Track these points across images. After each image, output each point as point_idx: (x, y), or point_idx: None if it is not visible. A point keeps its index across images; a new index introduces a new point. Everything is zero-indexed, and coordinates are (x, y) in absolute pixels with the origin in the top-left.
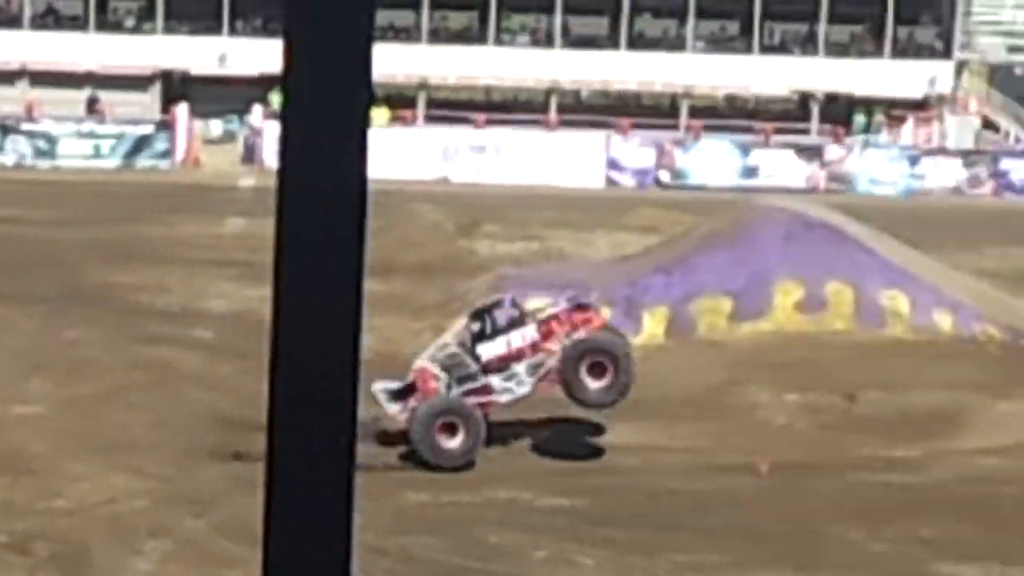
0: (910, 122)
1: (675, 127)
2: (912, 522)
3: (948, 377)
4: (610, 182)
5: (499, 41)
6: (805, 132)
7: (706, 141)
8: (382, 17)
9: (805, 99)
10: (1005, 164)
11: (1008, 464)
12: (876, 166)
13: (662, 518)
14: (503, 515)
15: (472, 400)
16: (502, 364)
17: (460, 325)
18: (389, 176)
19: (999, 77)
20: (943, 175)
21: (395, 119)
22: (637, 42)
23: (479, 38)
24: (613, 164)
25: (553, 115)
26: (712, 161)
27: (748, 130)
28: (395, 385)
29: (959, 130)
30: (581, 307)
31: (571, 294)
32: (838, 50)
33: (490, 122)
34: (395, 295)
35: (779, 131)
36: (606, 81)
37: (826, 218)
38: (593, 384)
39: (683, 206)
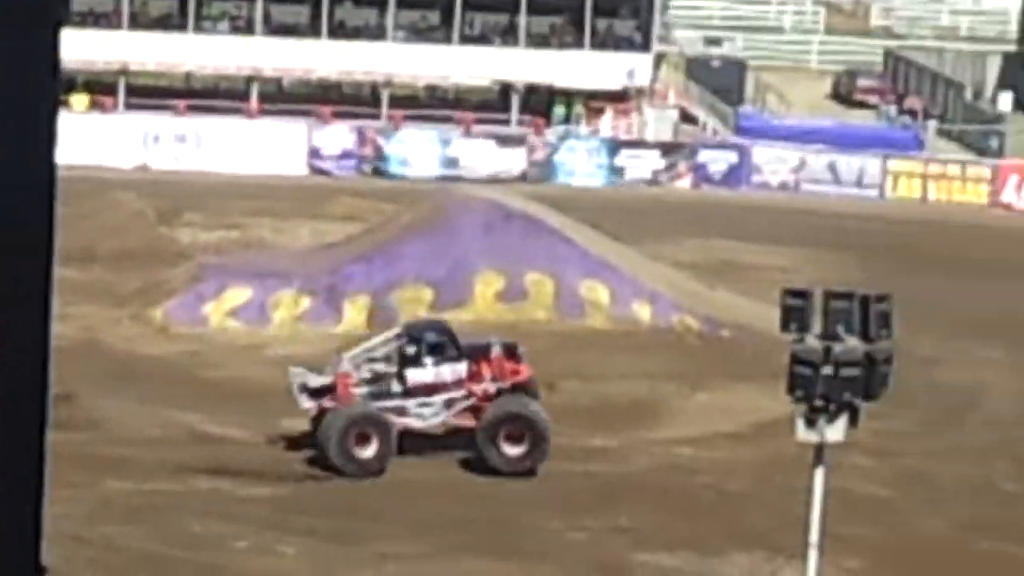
0: (609, 113)
1: (376, 116)
2: (610, 512)
3: (646, 367)
4: (312, 171)
5: (199, 28)
6: (505, 122)
7: (407, 131)
8: (81, 2)
9: (505, 90)
10: (703, 156)
11: (704, 454)
12: (576, 157)
13: (363, 507)
14: (205, 504)
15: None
16: (424, 392)
17: (390, 337)
18: (88, 163)
19: (696, 70)
20: (642, 166)
21: (94, 105)
22: (338, 31)
23: (179, 25)
24: (315, 153)
25: (254, 103)
26: (413, 150)
27: (449, 120)
28: (314, 380)
29: (657, 122)
30: (512, 355)
31: (505, 340)
32: (538, 41)
33: (191, 109)
34: (95, 283)
35: (480, 121)
36: (307, 69)
37: (526, 209)
38: (510, 451)
39: (385, 195)
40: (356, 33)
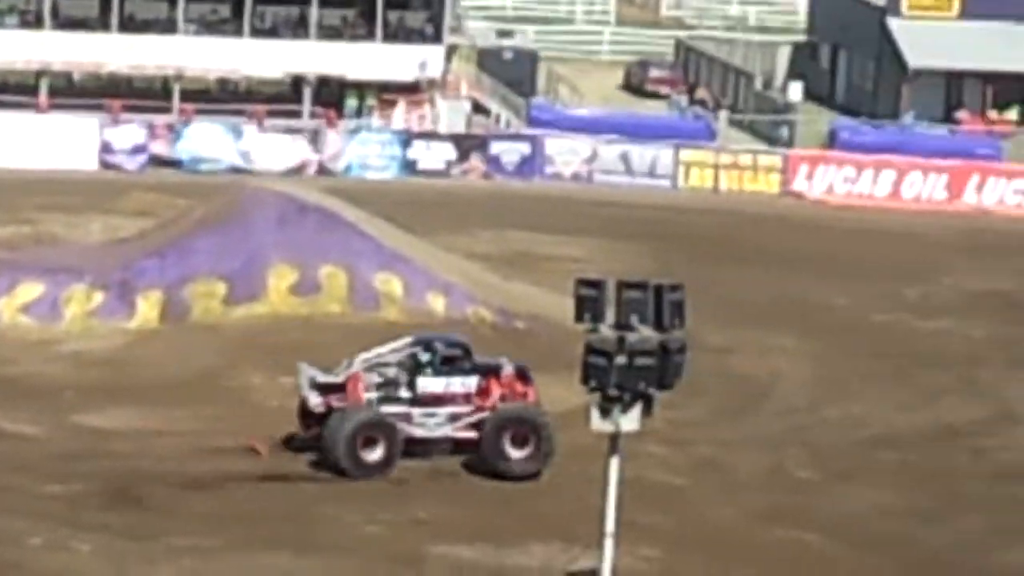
0: (402, 105)
1: (168, 110)
2: (407, 505)
3: None
4: (104, 165)
5: None
6: (298, 115)
7: (199, 124)
8: None
9: (297, 82)
10: (495, 147)
11: None
12: (368, 149)
13: (158, 502)
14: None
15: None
16: (432, 402)
17: (405, 344)
18: None
19: (489, 61)
20: (435, 158)
21: None
22: (128, 24)
23: None
24: (106, 147)
25: (44, 97)
26: (205, 144)
27: (241, 113)
28: (323, 377)
29: (450, 114)
30: (523, 376)
31: (519, 362)
32: (330, 33)
33: None
34: None
35: (272, 114)
36: (98, 63)
37: (320, 202)
38: (515, 453)
39: (177, 189)
40: (146, 26)
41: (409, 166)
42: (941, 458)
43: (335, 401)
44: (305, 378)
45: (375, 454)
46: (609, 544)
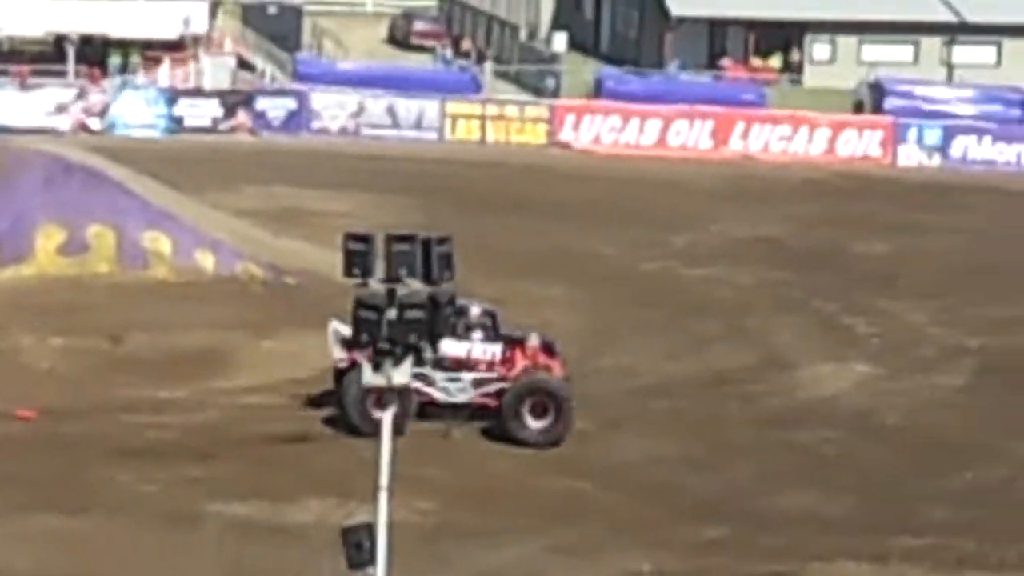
0: (166, 63)
1: None
2: (182, 463)
3: (212, 317)
4: None
5: None
6: (62, 74)
7: None
8: None
9: (60, 41)
10: (261, 103)
11: (273, 401)
12: (134, 107)
13: None
14: None
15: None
16: (454, 366)
17: None
18: None
19: (253, 17)
20: (201, 116)
21: None
22: None
23: None
24: None
25: None
26: None
27: (4, 73)
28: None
29: (215, 70)
30: (549, 350)
31: (546, 336)
32: None
33: None
34: None
35: (36, 73)
36: None
37: (86, 161)
38: (534, 423)
39: None
40: None
41: (175, 123)
42: (711, 406)
43: (358, 356)
44: (333, 333)
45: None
46: (383, 497)
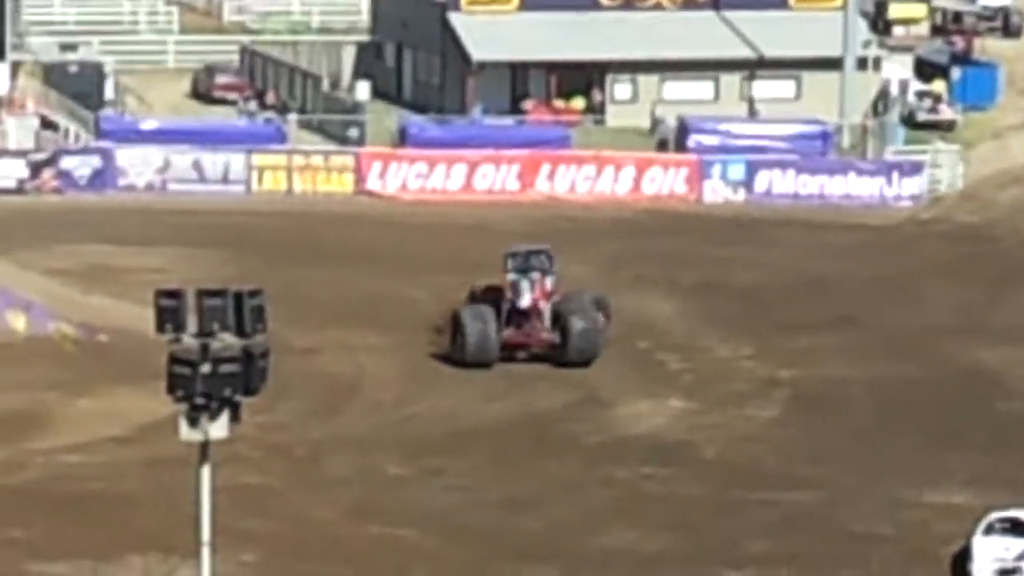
0: None
1: None
2: (2, 524)
3: (26, 377)
4: None
5: None
6: None
7: None
8: None
9: None
10: (66, 162)
11: (92, 460)
12: None
13: None
14: None
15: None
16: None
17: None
18: None
19: (54, 76)
20: (6, 176)
21: None
22: None
23: None
24: None
25: None
26: None
27: None
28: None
29: (18, 130)
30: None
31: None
32: None
33: None
34: None
35: None
36: None
37: None
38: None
39: None
40: None
41: None
42: (531, 446)
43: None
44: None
45: None
46: (206, 552)
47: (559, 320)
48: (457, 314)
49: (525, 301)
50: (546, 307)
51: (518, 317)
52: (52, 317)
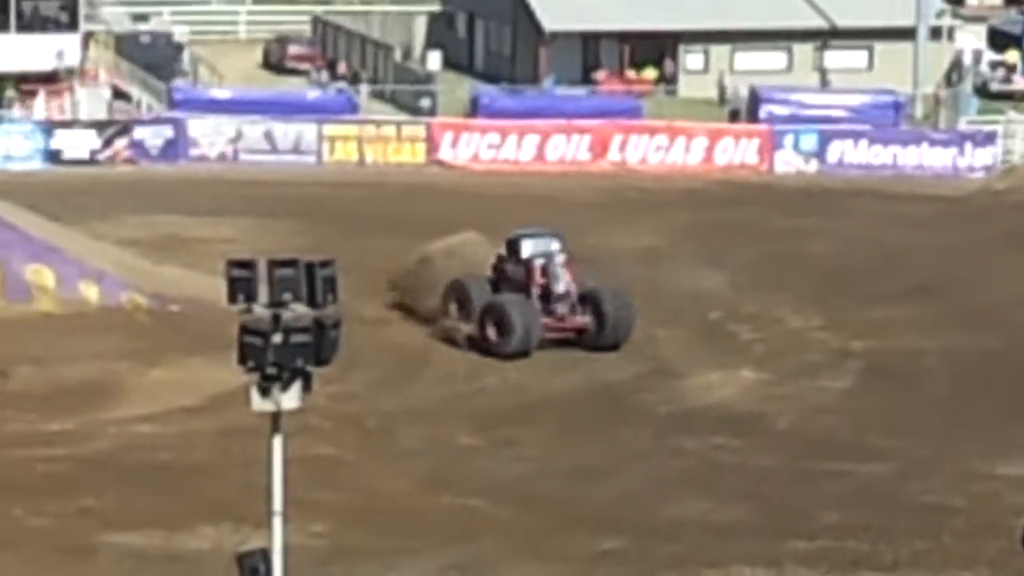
0: (42, 95)
1: None
2: (73, 495)
3: (99, 348)
4: None
5: None
6: None
7: None
8: None
9: None
10: (138, 132)
11: (164, 430)
12: (11, 141)
13: None
14: None
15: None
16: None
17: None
18: None
19: (126, 46)
20: (78, 147)
21: None
22: None
23: None
24: None
25: None
26: None
27: None
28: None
29: (90, 101)
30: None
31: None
32: None
33: None
34: None
35: None
36: None
37: None
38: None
39: None
40: None
41: (53, 156)
42: (600, 417)
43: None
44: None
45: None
46: (278, 522)
47: (587, 303)
48: (495, 304)
49: (562, 286)
50: (575, 291)
51: (553, 303)
52: (124, 287)
